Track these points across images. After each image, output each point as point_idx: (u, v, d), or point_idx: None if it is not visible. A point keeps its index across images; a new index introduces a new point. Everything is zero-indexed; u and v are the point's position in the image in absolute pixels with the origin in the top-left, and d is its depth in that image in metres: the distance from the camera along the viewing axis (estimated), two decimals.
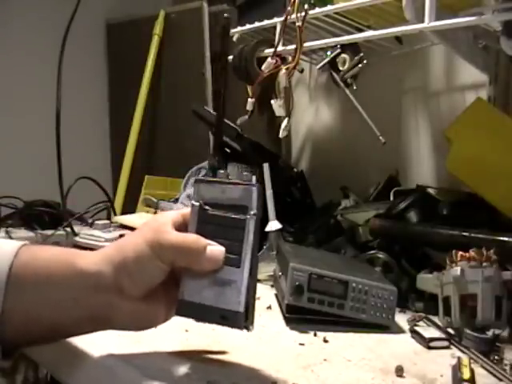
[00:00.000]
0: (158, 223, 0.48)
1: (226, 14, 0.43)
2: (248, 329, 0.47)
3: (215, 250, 0.46)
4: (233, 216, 0.47)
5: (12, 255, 0.46)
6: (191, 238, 0.46)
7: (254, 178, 0.48)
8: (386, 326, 0.65)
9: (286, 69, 0.95)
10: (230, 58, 1.11)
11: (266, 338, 0.60)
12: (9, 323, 0.45)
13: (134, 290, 0.46)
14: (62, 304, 0.46)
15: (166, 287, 0.48)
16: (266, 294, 0.78)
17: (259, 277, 0.88)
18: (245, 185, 0.47)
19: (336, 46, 1.02)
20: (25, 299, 0.46)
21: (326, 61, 1.05)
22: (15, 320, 0.45)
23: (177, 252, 0.46)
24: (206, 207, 0.48)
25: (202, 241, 0.46)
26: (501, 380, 0.50)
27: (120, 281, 0.46)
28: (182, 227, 0.48)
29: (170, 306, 0.48)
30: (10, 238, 1.00)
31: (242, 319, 0.46)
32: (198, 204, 0.48)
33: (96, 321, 0.47)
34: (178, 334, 0.59)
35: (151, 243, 0.45)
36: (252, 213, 0.46)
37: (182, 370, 0.49)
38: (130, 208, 1.42)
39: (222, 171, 0.49)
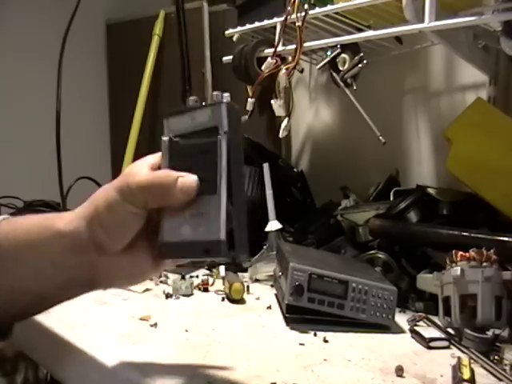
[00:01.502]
0: (131, 168, 0.45)
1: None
2: (238, 259, 0.43)
3: (186, 180, 0.42)
4: (203, 141, 0.42)
5: None
6: (160, 173, 0.44)
7: (225, 95, 0.43)
8: (386, 326, 0.65)
9: (286, 69, 0.96)
10: (230, 58, 1.11)
11: (266, 338, 0.60)
12: None
13: (111, 243, 0.44)
14: (43, 271, 0.45)
15: (148, 237, 0.45)
16: (265, 294, 0.78)
17: (259, 277, 0.88)
18: (213, 105, 0.43)
19: (336, 46, 1.02)
20: (7, 271, 0.44)
21: (326, 61, 1.05)
22: (1, 291, 0.44)
23: (147, 191, 0.43)
24: (176, 139, 0.44)
25: (172, 173, 0.43)
26: (501, 380, 0.50)
27: (95, 235, 0.43)
28: (160, 168, 0.46)
29: (156, 256, 0.46)
30: None
31: (226, 248, 0.41)
32: (167, 138, 0.45)
33: (80, 283, 0.45)
34: (178, 334, 0.59)
35: (120, 188, 0.43)
36: (223, 132, 0.42)
37: (182, 370, 0.49)
38: None
39: (192, 97, 0.46)
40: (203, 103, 0.44)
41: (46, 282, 0.45)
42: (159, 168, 0.45)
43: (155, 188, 0.43)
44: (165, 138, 0.45)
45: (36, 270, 0.45)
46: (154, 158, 0.46)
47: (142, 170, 0.44)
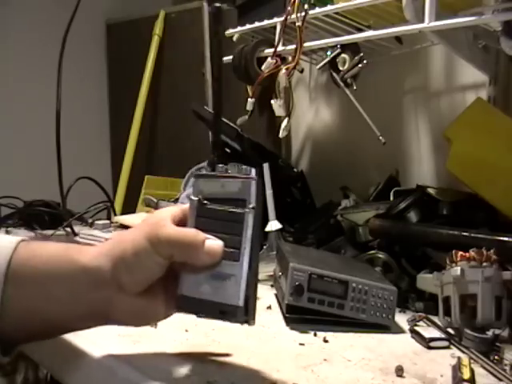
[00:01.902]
0: (157, 218, 0.47)
1: (216, 4, 0.41)
2: (248, 323, 0.46)
3: (214, 244, 0.45)
4: (231, 210, 0.46)
5: (11, 250, 0.45)
6: (189, 232, 0.46)
7: (253, 171, 0.47)
8: (386, 326, 0.65)
9: (286, 69, 0.96)
10: (230, 58, 1.11)
11: (266, 338, 0.60)
12: (7, 318, 0.44)
13: (132, 285, 0.46)
14: (61, 299, 0.46)
15: (165, 283, 0.48)
16: (266, 294, 0.78)
17: (259, 277, 0.88)
18: (243, 178, 0.47)
19: (336, 46, 1.02)
20: (24, 294, 0.45)
21: (326, 61, 1.05)
22: (14, 315, 0.45)
23: (175, 246, 0.45)
24: (205, 201, 0.47)
25: (201, 235, 0.46)
26: (501, 380, 0.50)
27: (118, 275, 0.45)
28: (181, 222, 0.48)
29: (169, 302, 0.48)
30: None
31: (242, 313, 0.45)
32: (196, 199, 0.48)
33: (95, 316, 0.47)
34: (178, 333, 0.59)
35: (149, 237, 0.45)
36: (251, 206, 0.46)
37: (182, 370, 0.49)
38: (129, 208, 1.43)
39: (220, 166, 0.49)
40: (228, 172, 0.48)
41: (63, 311, 0.46)
42: (181, 221, 0.48)
43: (184, 245, 0.45)
44: (194, 198, 0.48)
45: (55, 297, 0.46)
46: (176, 210, 0.49)
47: (168, 222, 0.47)
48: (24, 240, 0.48)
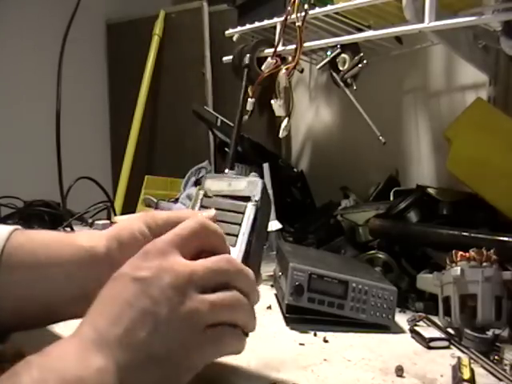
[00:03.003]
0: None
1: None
2: None
3: (206, 212, 0.46)
4: (234, 202, 0.47)
5: (6, 236, 0.45)
6: (185, 211, 0.47)
7: (261, 180, 0.49)
8: (386, 326, 0.65)
9: (286, 69, 0.96)
10: (230, 58, 1.11)
11: (266, 338, 0.60)
12: (1, 303, 0.44)
13: (124, 263, 0.44)
14: (56, 283, 0.46)
15: None
16: (266, 294, 0.78)
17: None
18: (250, 180, 0.49)
19: (336, 46, 1.02)
20: (18, 279, 0.45)
21: (326, 61, 1.05)
22: (8, 300, 0.45)
23: (169, 224, 0.44)
24: (210, 195, 0.49)
25: (196, 211, 0.47)
26: (501, 380, 0.50)
27: (111, 253, 0.45)
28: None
29: None
30: None
31: None
32: (203, 192, 0.50)
33: (89, 298, 0.44)
34: None
35: (145, 218, 0.46)
36: (254, 199, 0.47)
37: None
38: (130, 208, 1.43)
39: (227, 171, 0.51)
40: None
41: (57, 294, 0.46)
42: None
43: (179, 220, 0.45)
44: (201, 191, 0.50)
45: (50, 281, 0.46)
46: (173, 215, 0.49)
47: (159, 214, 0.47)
48: (18, 228, 0.47)
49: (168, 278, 0.38)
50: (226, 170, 0.50)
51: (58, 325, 0.55)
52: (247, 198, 0.47)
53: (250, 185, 0.48)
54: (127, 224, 0.47)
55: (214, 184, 0.50)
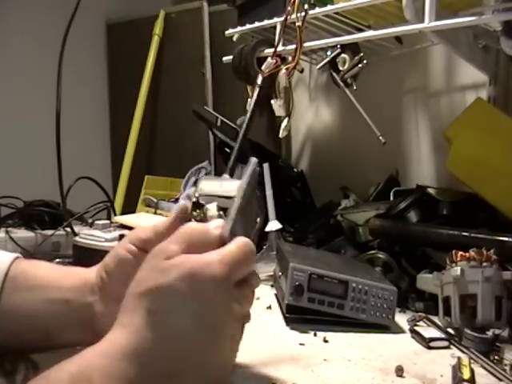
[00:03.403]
0: None
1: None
2: None
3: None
4: (224, 200, 0.50)
5: (9, 262, 0.48)
6: (164, 220, 0.49)
7: (253, 159, 0.49)
8: (386, 326, 0.65)
9: (286, 69, 0.96)
10: (230, 58, 1.11)
11: (266, 338, 0.60)
12: (3, 324, 0.46)
13: (110, 285, 0.47)
14: (54, 305, 0.48)
15: None
16: (266, 294, 0.78)
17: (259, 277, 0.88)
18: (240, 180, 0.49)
19: (336, 46, 1.02)
20: (20, 301, 0.47)
21: (326, 61, 1.05)
22: (10, 322, 0.46)
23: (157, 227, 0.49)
24: (200, 198, 0.51)
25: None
26: (501, 380, 0.50)
27: (100, 281, 0.48)
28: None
29: None
30: (10, 238, 1.00)
31: None
32: (197, 195, 0.52)
33: (81, 325, 0.48)
34: None
35: (129, 238, 0.49)
36: (244, 180, 0.47)
37: None
38: (129, 208, 1.42)
39: (225, 175, 0.51)
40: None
41: (56, 318, 0.48)
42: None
43: (165, 228, 0.48)
44: (196, 195, 0.52)
45: (49, 304, 0.48)
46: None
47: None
48: (19, 257, 0.50)
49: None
50: (224, 174, 0.52)
51: None
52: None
53: (239, 184, 0.49)
54: (113, 251, 0.49)
55: (207, 185, 0.52)
